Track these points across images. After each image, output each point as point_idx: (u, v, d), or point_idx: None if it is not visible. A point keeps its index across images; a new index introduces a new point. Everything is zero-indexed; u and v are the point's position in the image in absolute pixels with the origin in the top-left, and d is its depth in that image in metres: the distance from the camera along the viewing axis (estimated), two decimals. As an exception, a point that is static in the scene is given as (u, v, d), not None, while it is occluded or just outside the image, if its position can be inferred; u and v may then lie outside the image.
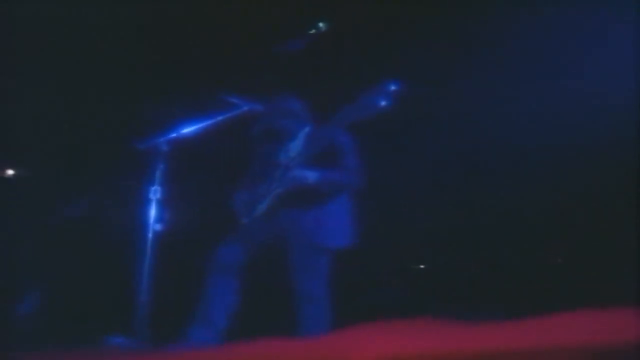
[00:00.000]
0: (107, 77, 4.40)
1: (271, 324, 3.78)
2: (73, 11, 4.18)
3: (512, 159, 4.66)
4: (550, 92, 4.56)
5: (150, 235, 3.45)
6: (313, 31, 3.77)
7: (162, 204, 3.51)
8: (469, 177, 4.72)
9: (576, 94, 4.45)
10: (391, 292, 4.56)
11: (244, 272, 3.64)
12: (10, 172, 4.41)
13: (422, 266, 4.85)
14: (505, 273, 4.57)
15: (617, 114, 4.35)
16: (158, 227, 3.47)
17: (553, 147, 4.57)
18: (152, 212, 3.48)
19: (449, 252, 4.74)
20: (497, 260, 4.66)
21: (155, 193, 3.49)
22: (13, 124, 4.33)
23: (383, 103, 3.34)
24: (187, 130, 3.61)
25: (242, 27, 4.33)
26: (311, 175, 3.56)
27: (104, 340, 3.54)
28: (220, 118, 3.66)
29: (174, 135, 3.57)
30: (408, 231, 4.70)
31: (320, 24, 3.76)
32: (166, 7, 4.21)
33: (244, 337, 3.47)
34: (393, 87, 3.35)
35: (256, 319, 3.83)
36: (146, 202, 3.49)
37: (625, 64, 4.35)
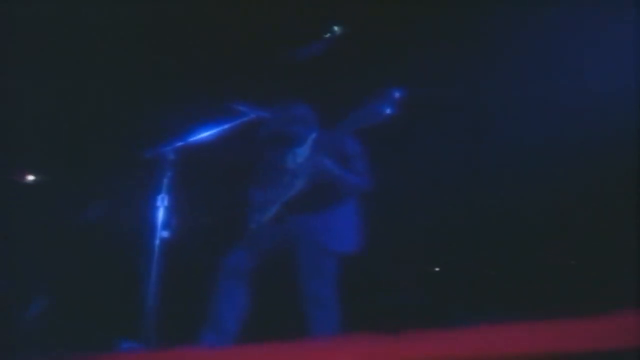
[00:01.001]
0: (115, 83, 4.41)
1: (281, 328, 3.84)
2: (84, 19, 4.19)
3: (520, 161, 4.69)
4: (551, 93, 4.58)
5: (157, 241, 3.47)
6: (328, 35, 3.79)
7: (169, 211, 3.53)
8: (476, 179, 4.74)
9: (577, 95, 4.48)
10: (401, 295, 4.60)
11: (253, 276, 3.69)
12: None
13: (436, 269, 4.88)
14: (515, 275, 4.60)
15: (620, 115, 4.39)
16: (165, 234, 3.50)
17: (565, 150, 4.58)
18: (160, 219, 3.51)
19: (457, 255, 4.77)
20: (507, 262, 4.68)
21: (162, 200, 3.53)
22: (20, 130, 4.34)
23: (388, 110, 3.38)
24: (195, 138, 3.63)
25: (250, 33, 4.33)
26: (334, 168, 3.60)
27: (113, 344, 3.59)
28: (227, 125, 3.68)
29: (181, 143, 3.59)
30: (416, 234, 4.72)
31: (335, 28, 3.77)
32: (172, 14, 4.21)
33: (254, 341, 3.57)
34: (397, 94, 3.39)
35: (267, 323, 3.89)
36: (154, 209, 3.51)
37: (626, 64, 4.38)
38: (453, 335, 3.17)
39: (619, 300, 3.95)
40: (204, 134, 3.65)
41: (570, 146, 4.54)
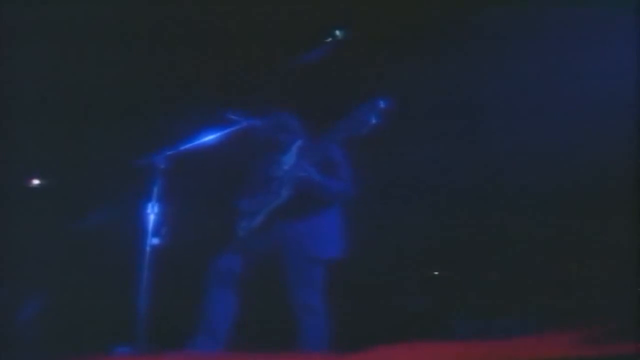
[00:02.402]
0: (109, 89, 4.47)
1: (272, 334, 3.92)
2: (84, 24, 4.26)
3: (519, 164, 4.66)
4: (550, 97, 4.55)
5: (148, 249, 3.55)
6: (329, 39, 3.80)
7: (160, 218, 3.60)
8: (475, 181, 4.73)
9: (577, 98, 4.45)
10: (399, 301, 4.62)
11: (243, 283, 3.75)
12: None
13: (435, 272, 4.87)
14: (514, 279, 4.58)
15: (621, 118, 4.35)
16: (156, 241, 3.57)
17: (564, 152, 4.55)
18: (151, 226, 3.58)
19: (455, 259, 4.76)
20: (505, 266, 4.67)
21: (153, 208, 3.60)
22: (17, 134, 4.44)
23: (374, 120, 3.42)
24: (185, 146, 3.69)
25: (245, 40, 4.36)
26: (318, 175, 3.64)
27: (107, 348, 3.68)
28: (218, 134, 3.73)
29: (171, 152, 3.65)
30: (414, 239, 4.72)
31: (337, 32, 3.78)
32: (167, 22, 4.27)
33: (245, 346, 3.65)
34: (383, 104, 3.43)
35: (258, 330, 3.96)
36: (145, 217, 3.59)
37: (626, 66, 4.33)
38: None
39: (619, 306, 3.96)
40: (195, 142, 3.72)
41: (569, 149, 4.50)
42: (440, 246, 4.67)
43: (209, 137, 3.71)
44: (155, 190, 3.60)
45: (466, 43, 4.43)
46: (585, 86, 4.41)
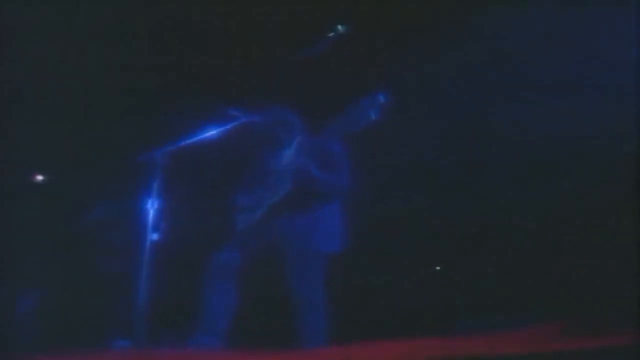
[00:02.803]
0: (108, 85, 4.49)
1: (272, 329, 3.93)
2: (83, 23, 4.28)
3: (521, 162, 4.66)
4: (550, 94, 4.56)
5: (148, 244, 3.56)
6: (332, 34, 3.81)
7: (160, 214, 3.61)
8: (465, 179, 4.73)
9: (577, 96, 4.46)
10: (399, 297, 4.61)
11: (242, 277, 3.77)
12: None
13: (437, 268, 4.86)
14: (513, 276, 4.58)
15: (621, 117, 4.35)
16: (155, 236, 3.58)
17: (566, 149, 4.55)
18: (150, 221, 3.59)
19: (456, 255, 4.76)
20: (504, 264, 4.66)
21: (153, 203, 3.61)
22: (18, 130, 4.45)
23: (373, 115, 3.45)
24: (185, 142, 3.71)
25: (245, 35, 4.38)
26: (315, 170, 3.66)
27: (107, 343, 3.70)
28: (218, 129, 3.75)
29: (171, 147, 3.67)
30: (415, 234, 4.72)
31: (339, 27, 3.78)
32: (157, 25, 4.29)
33: (246, 341, 3.66)
34: (382, 99, 3.45)
35: (258, 325, 3.97)
36: (144, 212, 3.60)
37: (626, 64, 4.34)
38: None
39: (620, 301, 3.96)
40: (195, 138, 3.73)
41: (570, 146, 4.50)
42: (440, 241, 4.66)
43: (209, 133, 3.73)
44: (155, 185, 3.62)
45: (466, 36, 4.43)
46: (586, 85, 4.41)
